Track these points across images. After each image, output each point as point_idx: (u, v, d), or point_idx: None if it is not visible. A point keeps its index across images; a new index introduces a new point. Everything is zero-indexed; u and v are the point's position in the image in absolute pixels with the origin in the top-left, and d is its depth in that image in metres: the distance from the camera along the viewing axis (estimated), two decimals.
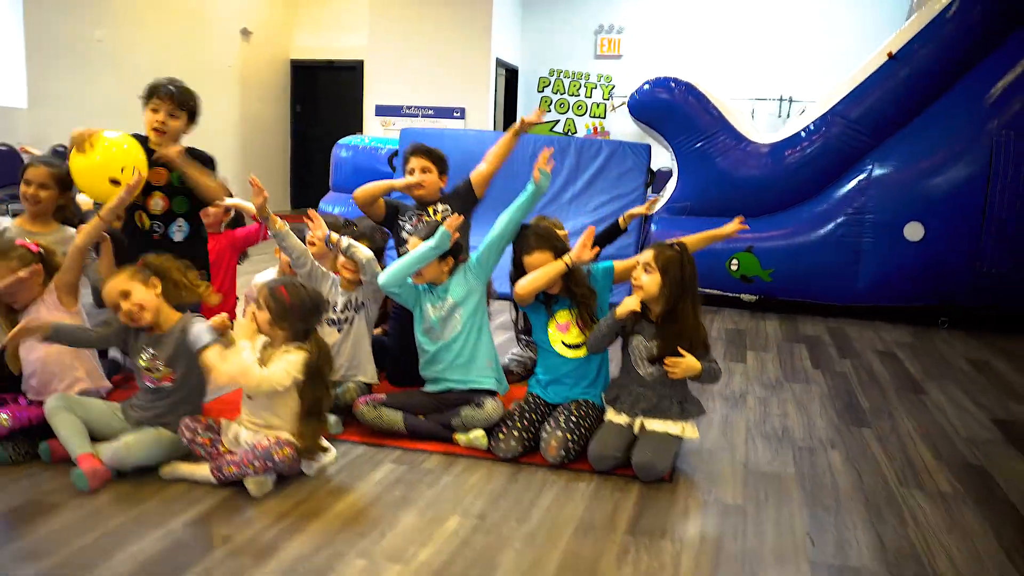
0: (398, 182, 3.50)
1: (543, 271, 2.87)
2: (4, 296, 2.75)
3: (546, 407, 2.94)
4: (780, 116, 10.75)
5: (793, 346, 4.71)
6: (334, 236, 3.10)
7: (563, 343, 2.96)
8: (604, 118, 11.46)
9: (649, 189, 6.01)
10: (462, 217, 3.01)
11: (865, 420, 3.41)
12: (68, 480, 2.45)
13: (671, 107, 5.69)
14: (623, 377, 2.90)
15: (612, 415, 2.85)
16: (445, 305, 3.02)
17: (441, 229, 2.93)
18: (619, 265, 2.99)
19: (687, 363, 2.71)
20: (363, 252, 3.09)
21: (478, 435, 2.85)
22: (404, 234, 3.42)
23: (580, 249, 2.85)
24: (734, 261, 5.52)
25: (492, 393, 2.99)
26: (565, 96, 11.61)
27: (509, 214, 2.99)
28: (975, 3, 5.09)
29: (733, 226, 3.09)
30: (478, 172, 3.49)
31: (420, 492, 2.51)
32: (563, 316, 2.96)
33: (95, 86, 8.63)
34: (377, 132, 10.86)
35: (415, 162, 3.45)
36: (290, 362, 2.52)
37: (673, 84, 5.73)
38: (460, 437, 2.88)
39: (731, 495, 2.59)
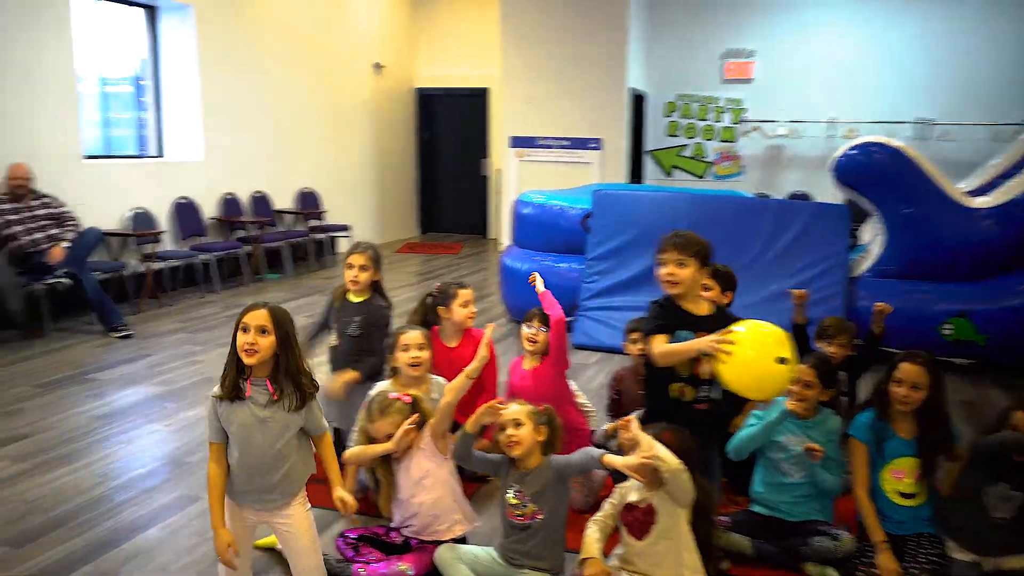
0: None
1: None
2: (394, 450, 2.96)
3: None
4: (916, 139, 10.61)
5: None
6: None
7: (897, 491, 3.05)
8: (735, 142, 11.45)
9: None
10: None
11: None
12: None
13: (878, 172, 5.70)
14: (964, 511, 2.97)
15: (955, 550, 2.97)
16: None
17: (783, 408, 3.10)
18: None
19: None
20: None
21: (832, 571, 2.98)
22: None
23: None
24: (947, 326, 5.53)
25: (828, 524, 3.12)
26: (694, 121, 11.63)
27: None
28: None
29: None
30: None
31: None
32: (901, 463, 3.04)
33: (255, 135, 9.35)
34: (508, 159, 11.07)
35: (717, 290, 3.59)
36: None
37: (877, 149, 5.73)
38: (812, 568, 3.02)
39: None
